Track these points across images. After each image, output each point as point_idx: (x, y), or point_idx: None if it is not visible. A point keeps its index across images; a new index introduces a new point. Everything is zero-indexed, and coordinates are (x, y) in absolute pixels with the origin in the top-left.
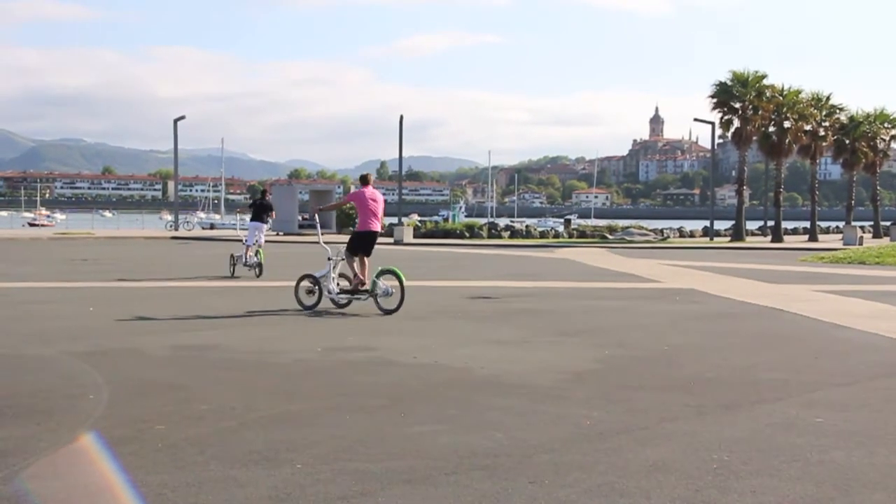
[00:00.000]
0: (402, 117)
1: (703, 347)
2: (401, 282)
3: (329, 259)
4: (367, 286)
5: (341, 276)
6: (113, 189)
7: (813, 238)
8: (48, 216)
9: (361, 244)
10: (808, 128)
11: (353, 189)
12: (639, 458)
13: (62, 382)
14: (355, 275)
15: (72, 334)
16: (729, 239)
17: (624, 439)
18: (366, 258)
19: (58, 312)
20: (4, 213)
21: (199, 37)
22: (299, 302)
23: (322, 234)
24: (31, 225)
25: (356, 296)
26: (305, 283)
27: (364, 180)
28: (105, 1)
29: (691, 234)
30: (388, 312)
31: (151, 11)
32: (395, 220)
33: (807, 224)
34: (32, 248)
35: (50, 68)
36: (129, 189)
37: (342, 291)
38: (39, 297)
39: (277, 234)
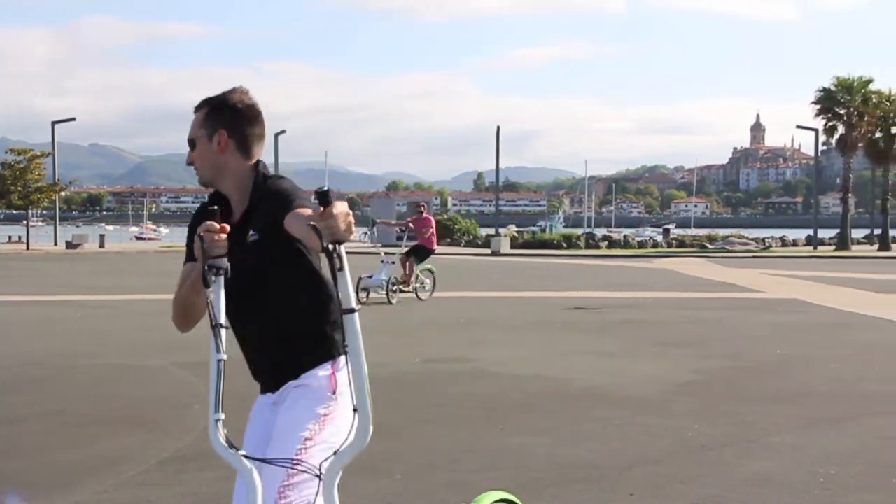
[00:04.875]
0: (498, 128)
1: (809, 359)
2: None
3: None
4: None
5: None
6: None
7: None
8: (154, 230)
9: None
10: None
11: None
12: (743, 471)
13: (170, 392)
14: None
15: (178, 346)
16: (834, 248)
17: (728, 452)
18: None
19: (163, 324)
20: (111, 228)
21: (313, 53)
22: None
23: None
24: (139, 238)
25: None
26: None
27: None
28: (221, 17)
29: (794, 244)
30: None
31: (267, 27)
32: (492, 230)
33: None
34: (140, 262)
35: (168, 86)
36: None
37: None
38: (147, 309)
39: (375, 245)
